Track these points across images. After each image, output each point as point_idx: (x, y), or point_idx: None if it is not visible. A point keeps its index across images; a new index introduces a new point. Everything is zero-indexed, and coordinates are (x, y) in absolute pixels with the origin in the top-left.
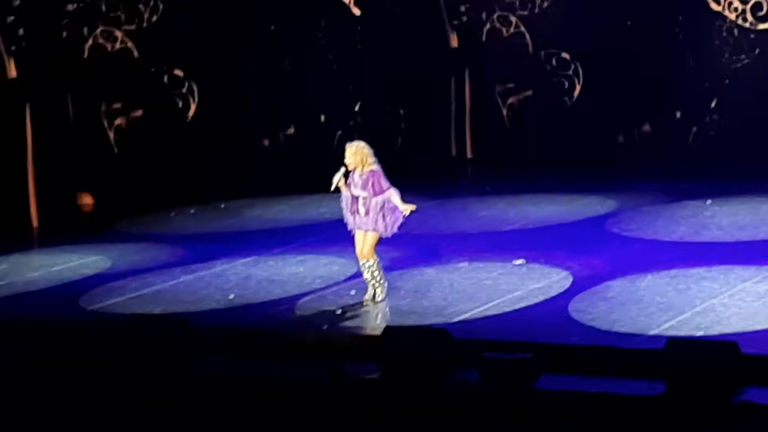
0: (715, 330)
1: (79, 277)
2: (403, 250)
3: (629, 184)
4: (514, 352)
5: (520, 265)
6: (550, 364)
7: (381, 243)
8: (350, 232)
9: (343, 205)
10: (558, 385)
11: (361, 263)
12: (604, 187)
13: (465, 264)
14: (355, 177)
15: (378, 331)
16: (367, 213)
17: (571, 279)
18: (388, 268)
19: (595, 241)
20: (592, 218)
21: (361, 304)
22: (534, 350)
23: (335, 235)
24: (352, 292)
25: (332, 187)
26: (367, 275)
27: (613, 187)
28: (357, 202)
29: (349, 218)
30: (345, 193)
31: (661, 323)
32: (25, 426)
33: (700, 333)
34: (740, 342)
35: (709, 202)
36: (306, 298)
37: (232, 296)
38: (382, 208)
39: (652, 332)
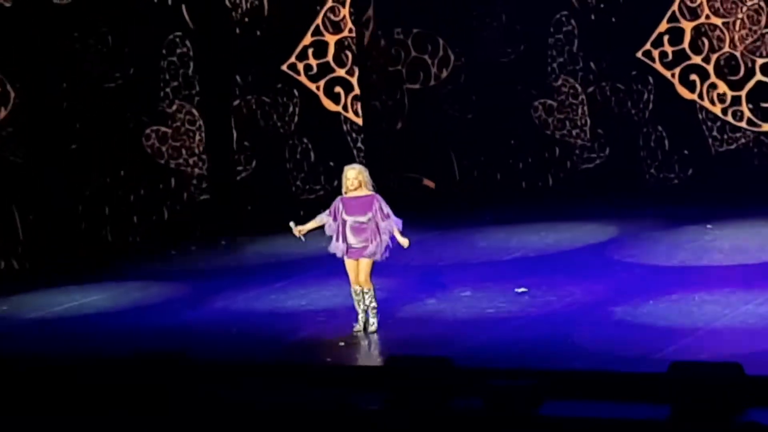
0: (719, 353)
1: (82, 315)
2: (404, 280)
3: (629, 210)
4: (517, 379)
5: (522, 293)
6: (553, 390)
7: (379, 274)
8: (340, 257)
9: (330, 232)
10: (562, 411)
11: (359, 291)
12: (604, 213)
13: (467, 293)
14: (348, 201)
15: (381, 362)
16: (366, 239)
17: (573, 306)
18: (390, 299)
19: (596, 268)
20: (592, 245)
21: (364, 335)
22: (537, 377)
23: (337, 268)
24: (355, 324)
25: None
26: (364, 303)
27: (612, 213)
28: (345, 227)
29: (338, 245)
30: (328, 221)
31: (664, 347)
32: None
33: (703, 356)
34: (744, 364)
35: (709, 226)
36: (309, 331)
37: (234, 331)
38: (385, 233)
39: (655, 356)
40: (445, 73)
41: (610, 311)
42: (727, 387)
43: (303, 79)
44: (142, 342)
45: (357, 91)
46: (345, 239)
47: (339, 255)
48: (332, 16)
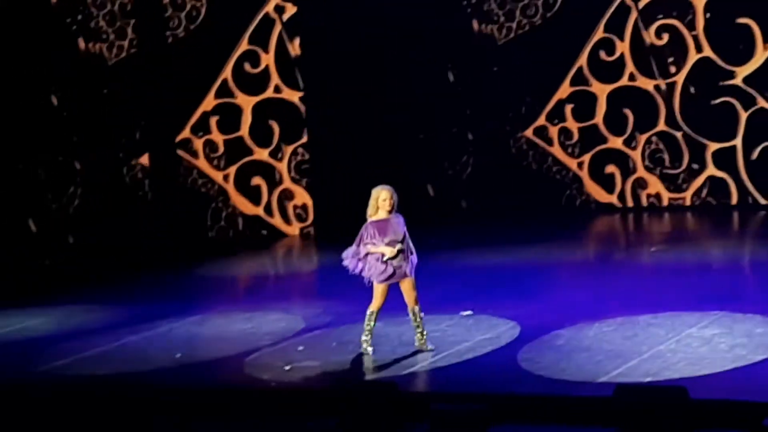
0: (664, 376)
1: (24, 339)
2: (349, 304)
3: (572, 233)
4: (464, 404)
5: (467, 316)
6: (500, 415)
7: (330, 298)
8: (385, 280)
9: (376, 262)
10: None
11: (416, 310)
12: (548, 236)
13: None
14: (380, 224)
15: (328, 386)
16: (403, 258)
17: (518, 329)
18: (334, 322)
19: (541, 290)
20: (538, 267)
21: (310, 359)
22: (484, 401)
23: (282, 292)
24: (300, 348)
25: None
26: (418, 320)
27: (556, 236)
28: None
29: (383, 269)
30: (387, 249)
31: (609, 370)
32: None
33: (648, 379)
34: (689, 387)
35: (653, 249)
36: (254, 355)
37: (178, 355)
38: (412, 250)
39: (601, 380)
40: None
41: (556, 334)
42: (672, 410)
43: (203, 163)
44: (84, 367)
45: (287, 183)
46: (387, 262)
47: (382, 279)
48: (249, 67)
